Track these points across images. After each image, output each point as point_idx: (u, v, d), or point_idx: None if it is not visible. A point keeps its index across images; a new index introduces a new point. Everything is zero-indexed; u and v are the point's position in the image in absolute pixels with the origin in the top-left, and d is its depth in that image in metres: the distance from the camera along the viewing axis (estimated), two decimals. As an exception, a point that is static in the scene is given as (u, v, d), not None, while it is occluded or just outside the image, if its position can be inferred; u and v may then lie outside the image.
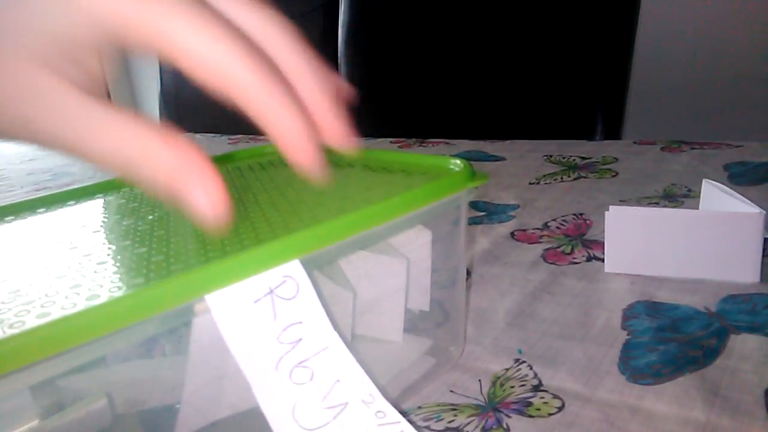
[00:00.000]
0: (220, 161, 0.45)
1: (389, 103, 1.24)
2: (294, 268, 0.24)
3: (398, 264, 0.34)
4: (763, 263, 0.43)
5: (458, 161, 0.35)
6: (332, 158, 0.43)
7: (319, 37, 1.34)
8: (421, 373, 0.36)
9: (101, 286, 0.22)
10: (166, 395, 0.28)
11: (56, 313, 0.20)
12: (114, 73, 0.20)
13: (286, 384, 0.22)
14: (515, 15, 1.09)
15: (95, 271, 0.24)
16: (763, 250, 0.43)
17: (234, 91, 0.18)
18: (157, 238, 0.28)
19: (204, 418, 0.27)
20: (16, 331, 0.19)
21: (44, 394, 0.24)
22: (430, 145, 1.00)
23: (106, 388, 0.26)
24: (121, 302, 0.21)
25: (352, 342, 0.25)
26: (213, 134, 1.30)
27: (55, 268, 0.25)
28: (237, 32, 0.17)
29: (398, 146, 1.02)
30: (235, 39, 0.17)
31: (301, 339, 0.22)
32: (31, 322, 0.20)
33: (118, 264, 0.25)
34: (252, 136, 1.23)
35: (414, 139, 1.04)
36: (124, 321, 0.21)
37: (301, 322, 0.23)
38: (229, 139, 1.23)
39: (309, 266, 0.25)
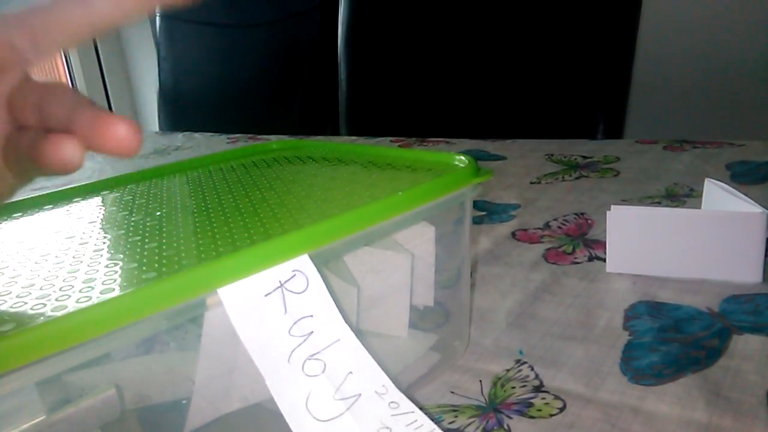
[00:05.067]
0: (224, 159, 0.45)
1: (389, 101, 1.24)
2: (303, 262, 0.24)
3: (403, 259, 0.34)
4: (765, 263, 0.43)
5: (463, 157, 0.35)
6: (339, 155, 0.43)
7: (318, 35, 1.34)
8: (427, 368, 0.36)
9: (114, 281, 0.22)
10: (172, 391, 0.28)
11: (72, 307, 0.21)
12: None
13: (299, 376, 0.22)
14: (516, 13, 1.09)
15: (107, 266, 0.24)
16: (766, 249, 0.42)
17: None
18: (167, 233, 0.28)
19: (215, 409, 0.27)
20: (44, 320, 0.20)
21: (51, 390, 0.24)
22: (431, 144, 1.00)
23: (114, 384, 0.26)
24: (141, 292, 0.21)
25: (357, 337, 0.25)
26: (212, 133, 1.30)
27: (68, 263, 0.25)
28: None
29: (398, 145, 1.01)
30: None
31: (312, 332, 0.23)
32: (48, 315, 0.20)
33: (129, 259, 0.25)
34: (251, 135, 1.22)
35: (414, 138, 1.04)
36: (143, 312, 0.21)
37: (312, 316, 0.23)
38: (228, 138, 1.23)
39: (315, 262, 0.25)
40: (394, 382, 0.23)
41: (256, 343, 0.22)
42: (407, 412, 0.22)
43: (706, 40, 1.37)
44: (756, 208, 0.42)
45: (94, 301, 0.21)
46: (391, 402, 0.22)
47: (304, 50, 1.37)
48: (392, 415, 0.22)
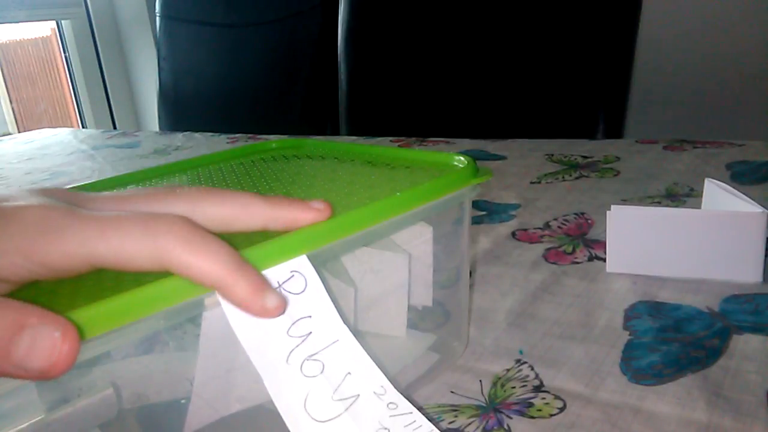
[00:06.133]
0: (224, 158, 0.45)
1: (389, 101, 1.24)
2: (301, 263, 0.24)
3: (400, 259, 0.34)
4: (766, 263, 0.43)
5: (462, 158, 0.35)
6: (338, 154, 0.43)
7: (318, 35, 1.34)
8: (426, 368, 0.36)
9: (115, 280, 0.22)
10: (171, 391, 0.28)
11: (78, 305, 0.21)
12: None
13: (297, 377, 0.22)
14: (516, 13, 1.09)
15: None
16: (766, 249, 0.42)
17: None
18: None
19: (214, 411, 0.27)
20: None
21: (49, 389, 0.24)
22: (431, 144, 1.00)
23: (111, 383, 0.26)
24: (136, 295, 0.21)
25: (356, 337, 0.25)
26: (212, 133, 1.30)
27: None
28: None
29: (398, 145, 1.01)
30: None
31: (311, 332, 0.23)
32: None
33: None
34: (251, 135, 1.22)
35: (414, 138, 1.04)
36: (139, 314, 0.21)
37: (310, 316, 0.23)
38: (228, 138, 1.23)
39: (313, 263, 0.25)
40: (392, 383, 0.23)
41: (254, 344, 0.22)
42: (406, 413, 0.22)
43: (706, 40, 1.37)
44: (756, 208, 0.42)
45: (92, 301, 0.21)
46: (390, 403, 0.22)
47: (304, 50, 1.37)
48: (391, 416, 0.22)
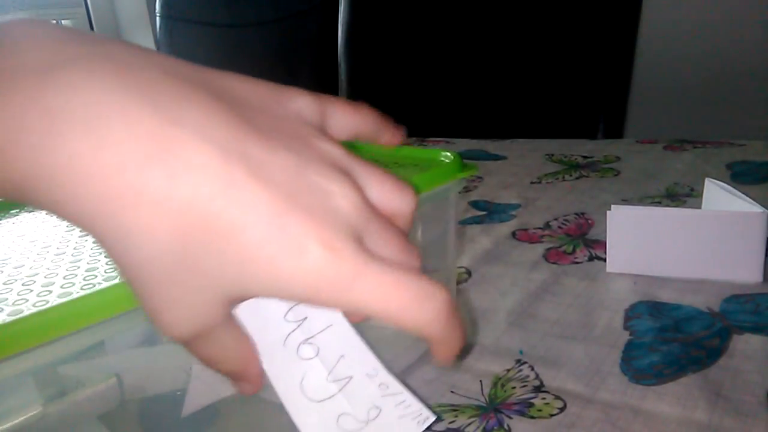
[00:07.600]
0: None
1: (389, 101, 1.24)
2: None
3: None
4: (766, 263, 0.43)
5: (449, 153, 0.35)
6: None
7: (318, 35, 1.34)
8: (420, 352, 0.36)
9: (114, 270, 0.23)
10: (169, 382, 0.28)
11: (77, 295, 0.21)
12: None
13: (294, 359, 0.23)
14: (517, 13, 1.09)
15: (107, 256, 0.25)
16: (767, 249, 0.42)
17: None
18: None
19: (213, 392, 0.27)
20: (37, 309, 0.21)
21: (47, 382, 0.25)
22: (431, 143, 1.00)
23: (115, 373, 0.26)
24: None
25: (350, 323, 0.26)
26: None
27: (71, 255, 0.26)
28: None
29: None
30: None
31: (306, 317, 0.23)
32: (53, 302, 0.21)
33: None
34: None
35: (414, 138, 1.04)
36: (134, 302, 0.21)
37: None
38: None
39: None
40: (387, 367, 0.24)
41: (253, 328, 0.23)
42: (396, 393, 0.23)
43: (706, 40, 1.37)
44: (756, 208, 0.42)
45: (93, 290, 0.21)
46: (381, 383, 0.23)
47: (304, 50, 1.37)
48: (382, 396, 0.23)
